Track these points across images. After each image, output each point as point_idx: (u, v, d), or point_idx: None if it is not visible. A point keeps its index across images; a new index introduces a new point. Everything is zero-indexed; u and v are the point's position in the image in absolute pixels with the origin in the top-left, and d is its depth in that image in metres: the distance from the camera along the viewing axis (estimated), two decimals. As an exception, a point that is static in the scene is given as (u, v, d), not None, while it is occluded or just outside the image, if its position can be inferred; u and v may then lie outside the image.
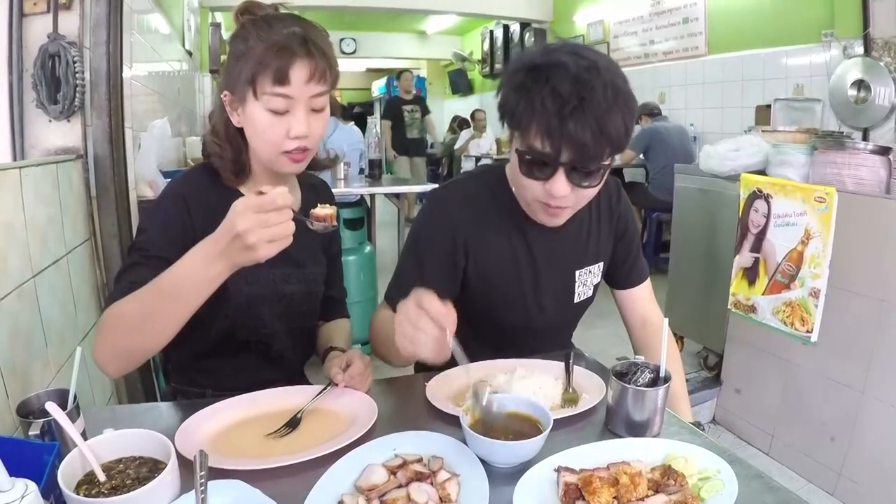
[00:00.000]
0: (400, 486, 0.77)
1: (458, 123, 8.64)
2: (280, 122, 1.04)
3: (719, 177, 2.63)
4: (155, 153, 2.40)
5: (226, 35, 4.78)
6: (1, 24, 1.71)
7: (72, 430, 0.72)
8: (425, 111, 7.24)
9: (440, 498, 0.75)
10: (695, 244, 2.91)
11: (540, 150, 1.01)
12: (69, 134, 1.84)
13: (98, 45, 1.86)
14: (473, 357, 1.24)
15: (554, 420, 0.86)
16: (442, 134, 9.15)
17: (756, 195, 2.28)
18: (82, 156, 1.86)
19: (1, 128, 1.74)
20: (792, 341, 2.18)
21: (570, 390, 1.08)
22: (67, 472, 0.69)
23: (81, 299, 1.74)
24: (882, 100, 3.27)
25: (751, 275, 2.32)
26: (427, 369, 1.10)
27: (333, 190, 1.40)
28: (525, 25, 7.56)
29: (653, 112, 4.87)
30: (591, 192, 1.09)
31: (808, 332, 2.09)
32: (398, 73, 7.26)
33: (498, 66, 8.53)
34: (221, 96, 1.10)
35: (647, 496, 0.75)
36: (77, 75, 1.77)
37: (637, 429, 0.93)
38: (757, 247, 2.29)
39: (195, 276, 0.87)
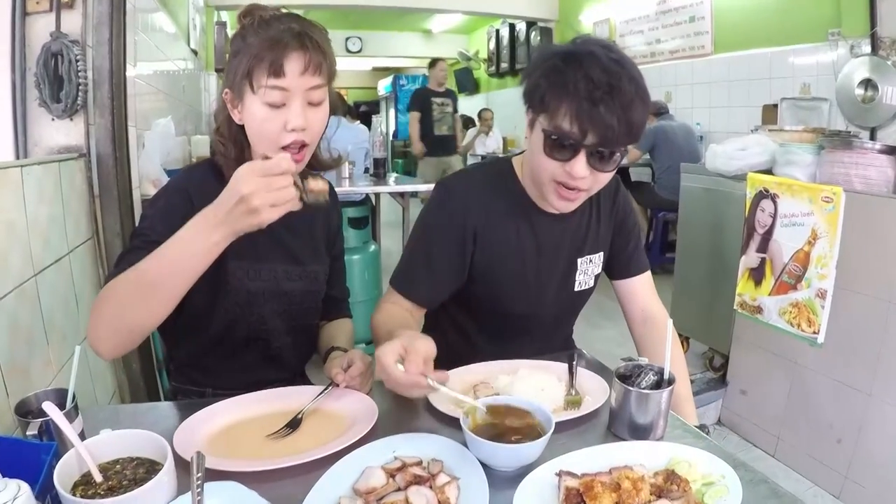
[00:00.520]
0: (398, 490, 0.76)
1: (464, 122, 8.62)
2: (277, 116, 1.04)
3: (725, 176, 2.61)
4: (159, 152, 2.41)
5: (231, 34, 4.76)
6: (4, 23, 1.71)
7: (69, 430, 0.72)
8: (456, 107, 6.13)
9: (439, 502, 0.74)
10: (701, 244, 2.89)
11: (567, 131, 1.06)
12: (72, 132, 1.84)
13: (101, 43, 1.86)
14: (475, 350, 1.26)
15: (556, 423, 0.85)
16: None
17: (762, 195, 2.26)
18: (85, 154, 1.86)
19: (4, 126, 1.74)
20: (798, 342, 2.16)
21: (574, 392, 1.07)
22: (64, 473, 0.69)
23: (84, 298, 1.74)
24: (890, 99, 3.23)
25: (757, 275, 2.30)
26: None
27: (337, 189, 1.39)
28: (531, 24, 7.55)
29: (659, 111, 4.84)
30: (605, 178, 1.14)
31: (814, 333, 2.07)
32: (431, 62, 5.99)
33: (504, 65, 8.51)
34: (223, 94, 1.10)
35: (650, 501, 0.74)
36: (80, 74, 1.77)
37: (640, 432, 0.92)
38: (763, 247, 2.27)
39: (195, 244, 0.88)
